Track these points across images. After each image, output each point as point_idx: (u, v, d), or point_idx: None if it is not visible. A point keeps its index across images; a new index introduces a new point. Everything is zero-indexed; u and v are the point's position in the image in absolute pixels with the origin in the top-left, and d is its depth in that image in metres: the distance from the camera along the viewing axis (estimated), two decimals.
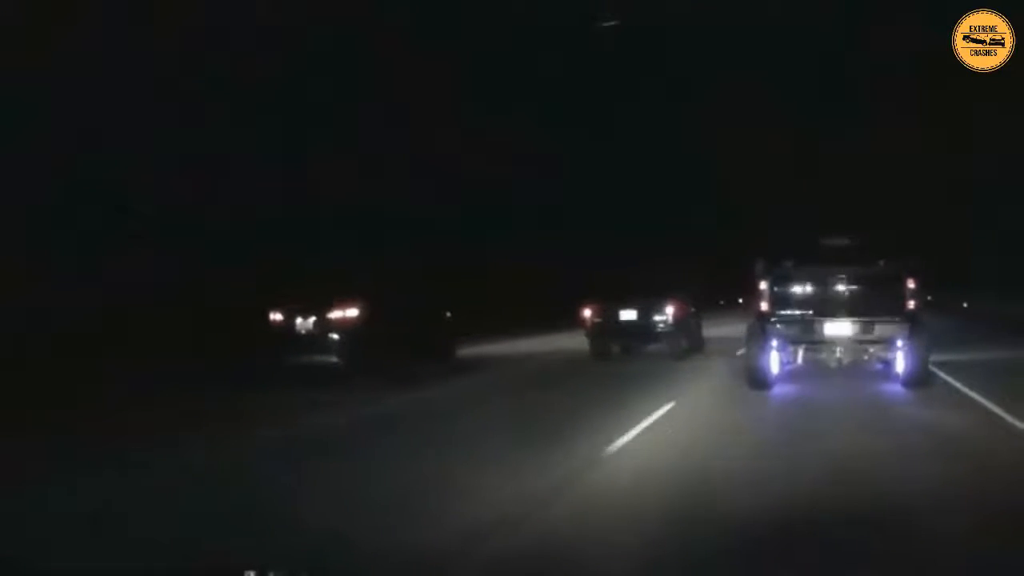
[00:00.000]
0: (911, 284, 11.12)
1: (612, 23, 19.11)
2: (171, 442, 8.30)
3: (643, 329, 16.12)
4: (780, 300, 11.52)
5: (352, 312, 13.60)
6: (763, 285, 11.46)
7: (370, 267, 17.19)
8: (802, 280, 11.60)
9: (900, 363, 11.23)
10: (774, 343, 11.40)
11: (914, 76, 22.87)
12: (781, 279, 11.58)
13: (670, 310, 15.88)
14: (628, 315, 16.15)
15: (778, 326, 11.43)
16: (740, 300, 24.25)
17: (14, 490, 6.24)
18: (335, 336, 13.52)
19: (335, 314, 13.61)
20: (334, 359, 13.44)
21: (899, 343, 11.15)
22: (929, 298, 40.44)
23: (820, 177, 33.61)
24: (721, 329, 20.47)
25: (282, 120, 20.03)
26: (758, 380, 11.23)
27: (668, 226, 40.02)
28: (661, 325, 15.94)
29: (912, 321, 11.08)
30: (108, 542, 4.88)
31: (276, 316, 13.98)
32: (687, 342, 16.54)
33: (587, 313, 16.51)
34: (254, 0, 18.68)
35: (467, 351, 17.64)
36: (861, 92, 28.00)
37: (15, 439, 8.32)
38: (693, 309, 17.52)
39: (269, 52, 18.15)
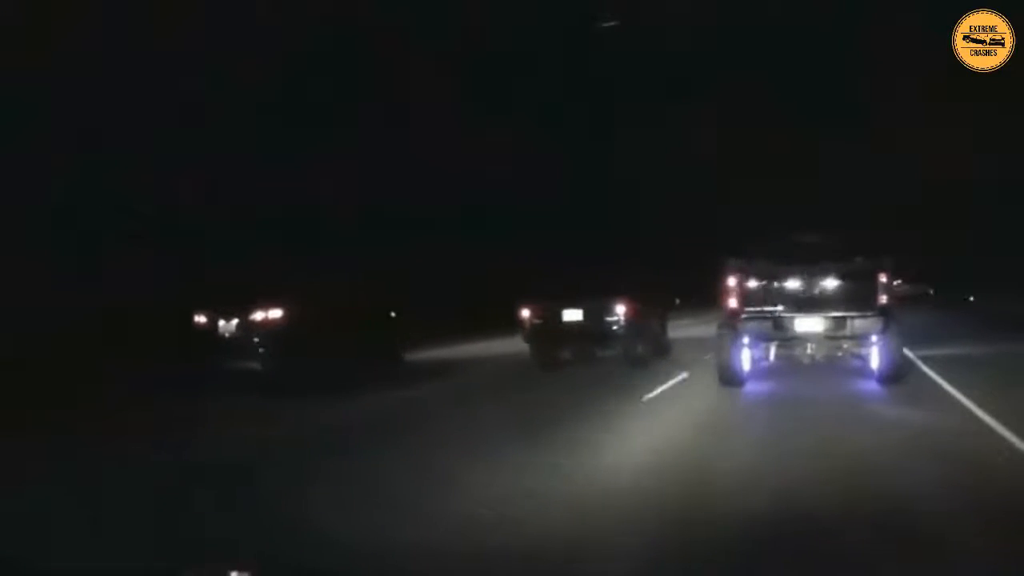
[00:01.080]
0: (883, 279, 11.03)
1: (612, 23, 19.12)
2: (165, 443, 8.32)
3: (590, 331, 14.14)
4: (751, 297, 11.40)
5: (275, 313, 12.35)
6: (732, 281, 11.36)
7: (310, 266, 16.26)
8: (774, 276, 11.49)
9: (874, 359, 11.16)
10: (745, 340, 11.33)
11: (914, 76, 22.88)
12: (752, 275, 11.46)
13: (622, 309, 13.90)
14: (573, 315, 14.17)
15: (749, 323, 11.32)
16: (677, 301, 20.60)
17: (13, 490, 6.24)
18: (257, 339, 12.30)
19: (257, 316, 12.37)
20: (257, 365, 12.19)
21: (873, 339, 11.07)
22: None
23: (820, 177, 33.61)
24: (691, 331, 19.58)
25: (281, 120, 20.03)
26: (729, 377, 11.19)
27: (668, 226, 40.07)
28: (612, 326, 13.97)
29: (885, 316, 10.97)
30: (105, 541, 4.89)
31: (200, 318, 12.87)
32: (645, 346, 14.54)
33: (525, 314, 14.41)
34: (254, 0, 18.72)
35: (434, 353, 17.02)
36: (861, 92, 28.00)
37: (14, 439, 8.33)
38: (659, 309, 15.89)
39: (268, 52, 18.18)
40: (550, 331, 14.30)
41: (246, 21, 17.89)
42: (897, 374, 11.00)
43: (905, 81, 24.29)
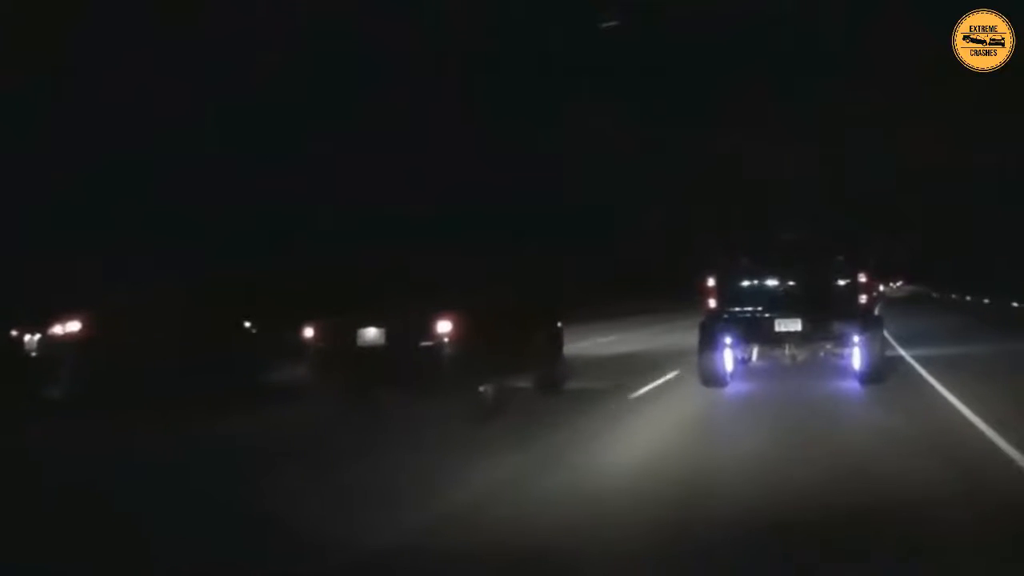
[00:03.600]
0: (863, 279, 11.07)
1: (612, 23, 19.08)
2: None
3: (393, 360, 9.18)
4: (731, 296, 11.36)
5: (73, 327, 10.29)
6: (712, 281, 11.32)
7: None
8: (755, 275, 11.49)
9: (856, 360, 11.14)
10: (727, 340, 11.26)
11: (914, 76, 22.88)
12: (733, 275, 11.44)
13: (445, 328, 8.96)
14: (371, 337, 9.31)
15: (730, 323, 11.28)
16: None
17: None
18: (60, 358, 10.30)
19: (56, 329, 10.44)
20: (55, 390, 10.15)
21: (854, 339, 11.06)
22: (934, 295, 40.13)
23: (821, 176, 33.67)
24: (667, 339, 17.95)
25: (280, 119, 20.06)
26: (712, 379, 11.10)
27: (668, 227, 40.08)
28: (429, 353, 8.99)
29: (865, 317, 11.03)
30: None
31: (13, 332, 11.12)
32: (496, 385, 9.62)
33: (308, 333, 9.74)
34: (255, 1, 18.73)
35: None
36: (860, 91, 28.02)
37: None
38: (558, 325, 11.55)
39: (267, 51, 18.18)
40: (339, 360, 9.56)
41: (246, 22, 17.90)
42: (879, 375, 10.96)
43: (905, 81, 24.30)
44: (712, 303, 11.30)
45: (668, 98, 32.86)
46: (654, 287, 37.76)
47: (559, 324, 11.72)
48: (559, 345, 11.55)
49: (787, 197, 30.16)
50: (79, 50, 15.46)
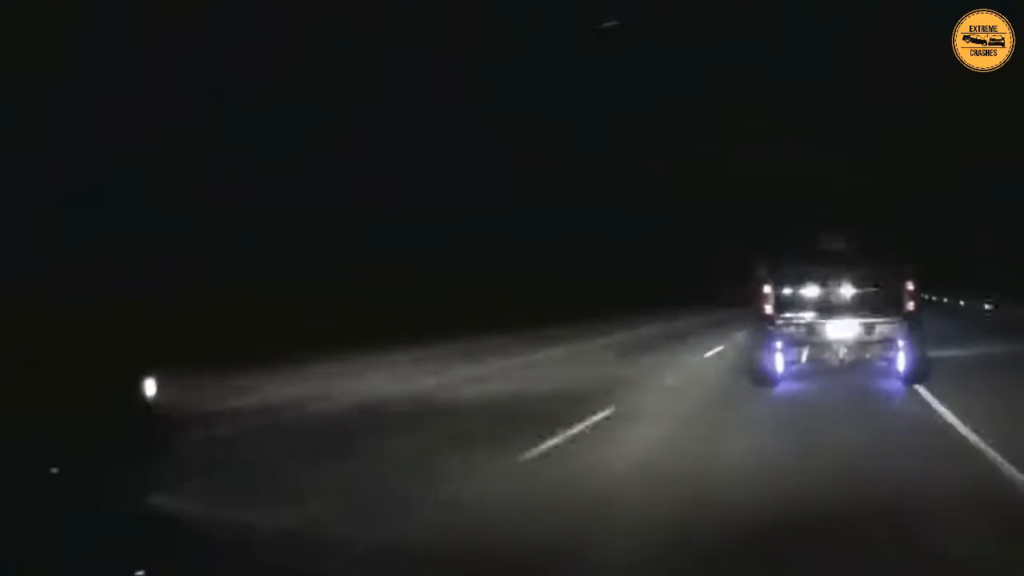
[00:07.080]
0: (910, 285, 11.70)
1: (612, 23, 19.08)
2: None
3: None
4: (783, 301, 12.00)
5: None
6: (767, 288, 11.95)
7: None
8: (804, 281, 12.10)
9: (901, 361, 11.72)
10: (779, 344, 11.85)
11: (914, 76, 22.87)
12: (783, 280, 12.04)
13: None
14: None
15: (782, 327, 11.88)
16: None
17: None
18: None
19: None
20: None
21: (899, 343, 11.66)
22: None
23: (822, 177, 33.65)
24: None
25: (278, 122, 20.06)
26: (763, 378, 11.75)
27: (670, 229, 40.17)
28: None
29: (910, 321, 11.62)
30: None
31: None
32: None
33: None
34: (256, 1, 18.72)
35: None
36: (861, 92, 28.01)
37: None
38: (140, 386, 6.16)
39: (269, 52, 18.18)
40: None
41: (247, 22, 17.90)
42: (923, 375, 11.61)
43: (904, 81, 24.30)
44: (767, 308, 11.91)
45: (671, 104, 32.88)
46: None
47: (141, 378, 6.22)
48: (156, 425, 6.29)
49: (794, 198, 30.20)
50: (78, 50, 15.44)
